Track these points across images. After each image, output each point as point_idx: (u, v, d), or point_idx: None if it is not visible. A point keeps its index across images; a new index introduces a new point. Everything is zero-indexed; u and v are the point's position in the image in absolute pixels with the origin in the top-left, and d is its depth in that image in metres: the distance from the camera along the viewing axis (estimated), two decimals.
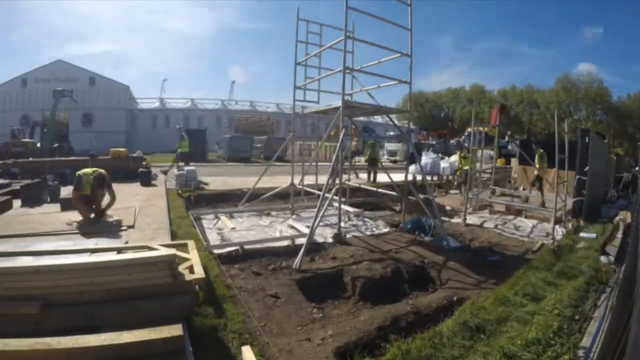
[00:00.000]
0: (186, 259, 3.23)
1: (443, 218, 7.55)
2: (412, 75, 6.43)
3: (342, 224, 6.51)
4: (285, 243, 5.54)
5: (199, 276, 3.04)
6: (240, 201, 8.32)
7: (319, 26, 7.65)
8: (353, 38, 6.16)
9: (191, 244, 3.66)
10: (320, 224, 6.14)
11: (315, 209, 5.67)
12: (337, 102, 6.13)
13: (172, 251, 2.98)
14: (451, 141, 27.59)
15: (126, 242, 4.33)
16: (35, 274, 2.63)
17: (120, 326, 2.32)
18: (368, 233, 6.58)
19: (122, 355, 2.17)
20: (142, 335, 2.23)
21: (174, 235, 5.14)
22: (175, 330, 2.29)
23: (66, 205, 6.80)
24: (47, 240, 4.53)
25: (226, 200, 9.20)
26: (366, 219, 7.66)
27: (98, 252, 2.81)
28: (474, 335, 3.10)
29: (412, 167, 9.47)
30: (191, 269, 3.09)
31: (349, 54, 6.26)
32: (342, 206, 6.44)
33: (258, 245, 5.32)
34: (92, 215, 5.35)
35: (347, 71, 6.12)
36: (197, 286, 3.06)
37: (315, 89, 7.75)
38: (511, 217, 8.48)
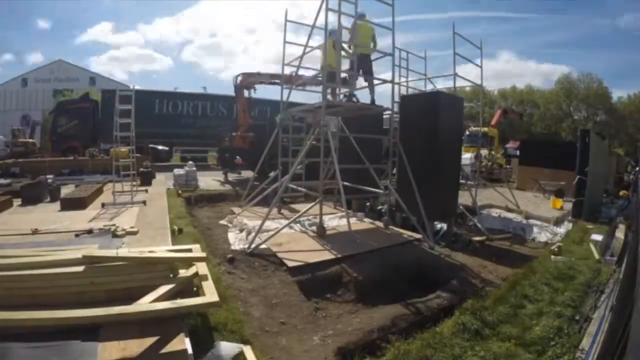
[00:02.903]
0: (189, 258, 3.24)
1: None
2: (399, 74, 6.58)
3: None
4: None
5: (200, 273, 3.05)
6: (238, 201, 8.33)
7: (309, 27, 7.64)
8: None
9: (196, 248, 3.65)
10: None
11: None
12: (320, 101, 6.20)
13: (172, 255, 2.99)
14: None
15: (122, 244, 4.34)
16: (35, 275, 2.64)
17: (119, 326, 2.33)
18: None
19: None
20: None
21: (174, 235, 5.16)
22: (178, 344, 2.29)
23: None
24: (46, 239, 4.55)
25: (224, 199, 9.22)
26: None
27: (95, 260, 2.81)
28: (474, 335, 3.11)
29: None
30: (196, 274, 3.09)
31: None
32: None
33: (262, 246, 5.32)
34: None
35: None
36: (196, 287, 3.07)
37: (301, 89, 7.83)
38: (511, 216, 8.47)
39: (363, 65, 6.57)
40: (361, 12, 6.43)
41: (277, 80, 11.34)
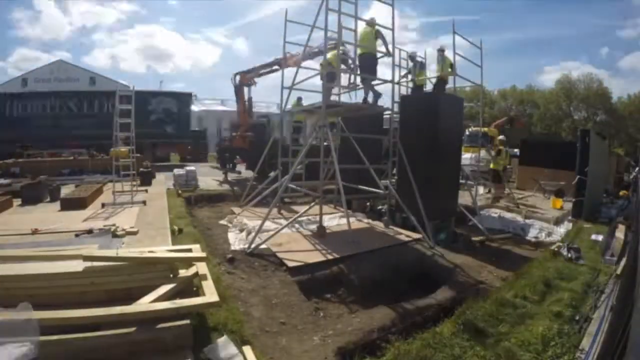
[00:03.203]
0: (189, 258, 3.24)
1: None
2: (399, 74, 6.67)
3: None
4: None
5: (200, 273, 3.05)
6: (237, 201, 8.34)
7: (307, 27, 7.65)
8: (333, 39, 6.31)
9: (196, 248, 3.65)
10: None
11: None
12: (320, 102, 6.25)
13: (172, 255, 2.99)
14: None
15: (123, 244, 4.35)
16: (35, 275, 2.65)
17: (119, 325, 2.33)
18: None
19: (131, 348, 2.24)
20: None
21: (174, 235, 5.16)
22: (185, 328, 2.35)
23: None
24: (46, 239, 4.55)
25: (224, 200, 9.23)
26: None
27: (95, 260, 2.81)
28: (474, 335, 3.10)
29: None
30: (196, 274, 3.10)
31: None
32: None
33: (262, 246, 5.32)
34: None
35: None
36: (196, 287, 3.07)
37: (303, 89, 7.89)
38: (510, 216, 8.47)
39: (363, 64, 6.60)
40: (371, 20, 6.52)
41: (275, 67, 11.15)
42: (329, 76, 6.40)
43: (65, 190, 8.27)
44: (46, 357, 2.07)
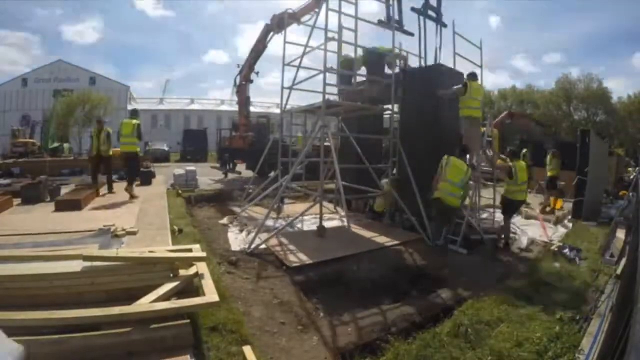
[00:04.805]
0: (189, 258, 3.24)
1: None
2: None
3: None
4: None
5: (200, 273, 3.05)
6: (236, 201, 8.34)
7: (308, 28, 7.68)
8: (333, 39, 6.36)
9: (196, 248, 3.65)
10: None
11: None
12: (320, 102, 6.26)
13: (172, 255, 2.99)
14: None
15: (122, 244, 4.34)
16: (34, 276, 2.65)
17: (119, 325, 2.33)
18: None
19: (130, 348, 2.24)
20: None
21: (174, 235, 5.15)
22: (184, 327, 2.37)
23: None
24: (47, 239, 4.54)
25: (224, 199, 9.24)
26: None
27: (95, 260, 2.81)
28: (473, 336, 3.10)
29: None
30: (196, 274, 3.10)
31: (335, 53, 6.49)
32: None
33: (262, 246, 5.32)
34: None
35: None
36: (196, 287, 3.06)
37: (303, 89, 7.91)
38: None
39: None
40: None
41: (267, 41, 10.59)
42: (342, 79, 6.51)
43: (66, 190, 8.27)
44: (46, 357, 2.07)
